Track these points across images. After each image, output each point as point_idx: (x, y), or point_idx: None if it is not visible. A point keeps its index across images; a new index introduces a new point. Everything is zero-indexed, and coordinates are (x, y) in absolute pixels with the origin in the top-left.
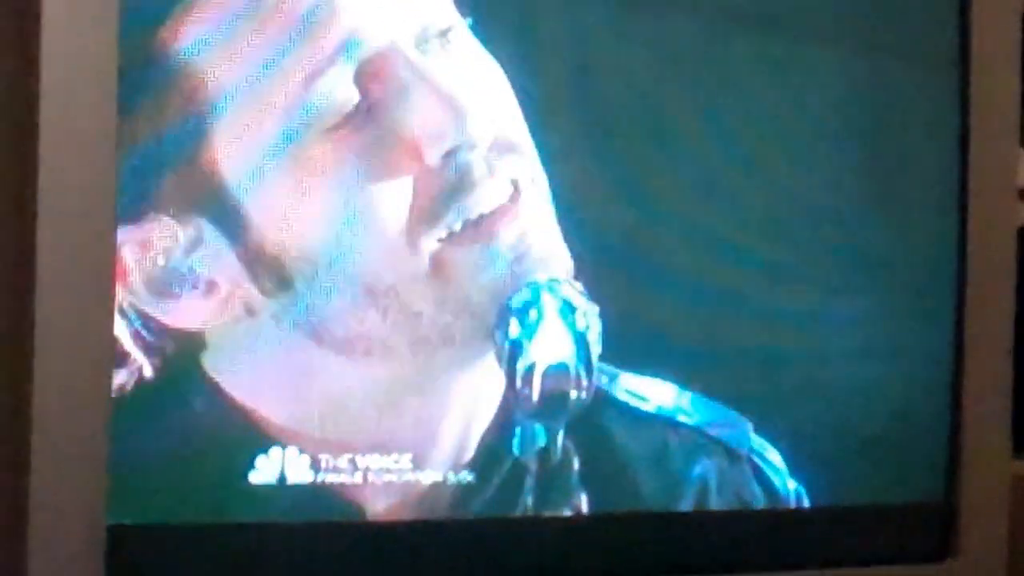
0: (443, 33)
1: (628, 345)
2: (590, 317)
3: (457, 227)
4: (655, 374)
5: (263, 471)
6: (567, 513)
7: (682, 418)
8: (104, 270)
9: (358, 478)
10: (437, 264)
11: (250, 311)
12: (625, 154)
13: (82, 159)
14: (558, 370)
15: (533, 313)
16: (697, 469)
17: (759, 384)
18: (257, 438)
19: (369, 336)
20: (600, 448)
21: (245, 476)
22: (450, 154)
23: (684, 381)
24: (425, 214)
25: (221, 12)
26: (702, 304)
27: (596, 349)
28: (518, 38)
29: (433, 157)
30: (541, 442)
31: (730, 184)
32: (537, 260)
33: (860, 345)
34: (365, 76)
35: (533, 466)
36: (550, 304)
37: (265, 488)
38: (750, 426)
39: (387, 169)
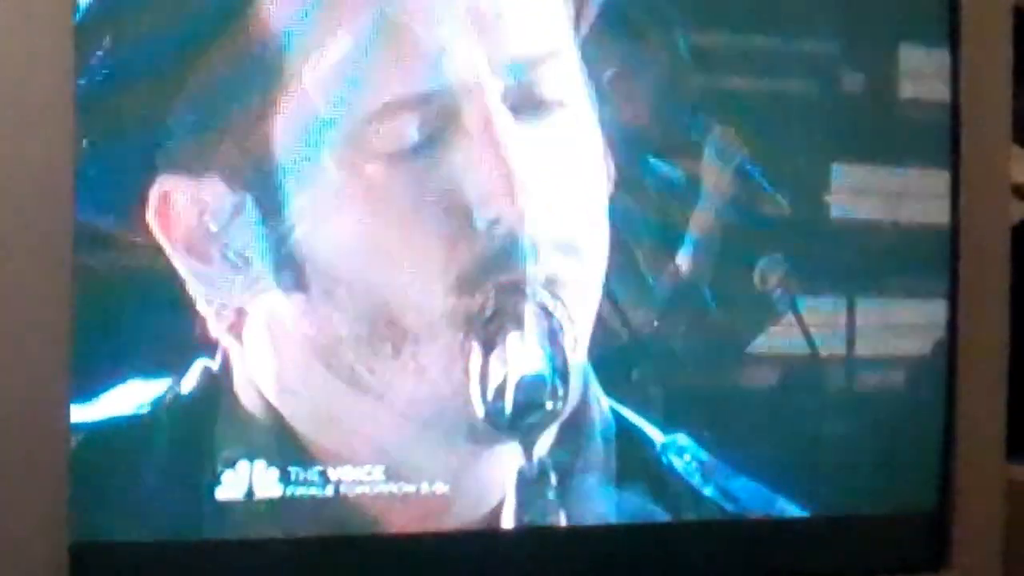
0: (543, 105)
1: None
2: (566, 324)
3: (490, 300)
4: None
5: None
6: (545, 525)
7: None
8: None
9: (329, 491)
10: (466, 332)
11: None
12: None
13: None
14: (533, 381)
15: (507, 323)
16: None
17: (744, 389)
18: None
19: (374, 369)
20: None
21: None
22: (496, 224)
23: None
24: (462, 276)
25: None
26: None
27: (573, 357)
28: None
29: (480, 222)
30: (516, 454)
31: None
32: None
33: (850, 353)
34: (442, 115)
35: (509, 479)
36: (525, 313)
37: (234, 503)
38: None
39: (433, 216)
